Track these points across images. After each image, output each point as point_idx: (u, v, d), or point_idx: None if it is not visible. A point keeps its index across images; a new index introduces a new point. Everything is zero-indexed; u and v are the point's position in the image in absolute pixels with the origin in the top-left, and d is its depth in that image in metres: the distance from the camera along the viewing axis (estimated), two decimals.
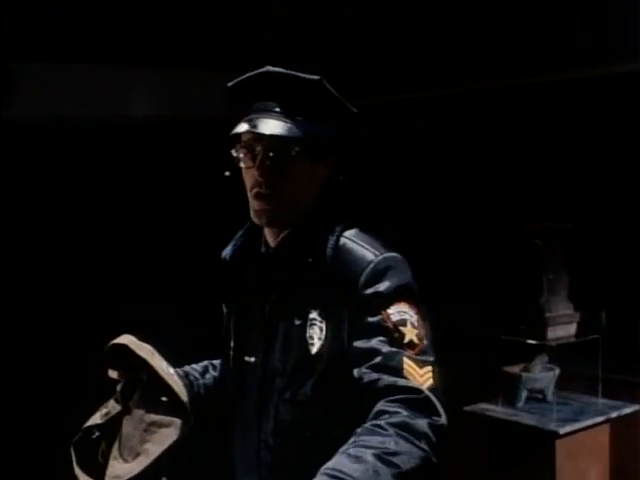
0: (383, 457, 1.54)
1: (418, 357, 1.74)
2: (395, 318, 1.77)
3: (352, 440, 1.59)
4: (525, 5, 4.73)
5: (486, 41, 4.89)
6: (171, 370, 1.98)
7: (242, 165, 1.94)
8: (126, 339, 1.98)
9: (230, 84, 1.97)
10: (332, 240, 1.87)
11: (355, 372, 1.75)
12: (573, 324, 4.53)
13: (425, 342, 1.78)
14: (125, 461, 1.93)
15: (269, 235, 2.00)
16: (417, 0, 4.98)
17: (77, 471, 1.97)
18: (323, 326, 1.84)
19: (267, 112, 1.89)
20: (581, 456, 4.29)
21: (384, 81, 5.56)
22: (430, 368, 1.74)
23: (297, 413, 1.88)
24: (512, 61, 4.89)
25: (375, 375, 1.71)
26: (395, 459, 1.55)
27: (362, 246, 1.86)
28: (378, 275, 1.80)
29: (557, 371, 4.50)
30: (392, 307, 1.78)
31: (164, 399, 1.94)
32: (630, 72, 4.46)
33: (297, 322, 1.87)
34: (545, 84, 4.84)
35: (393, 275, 1.81)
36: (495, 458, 4.37)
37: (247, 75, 1.94)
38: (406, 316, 1.78)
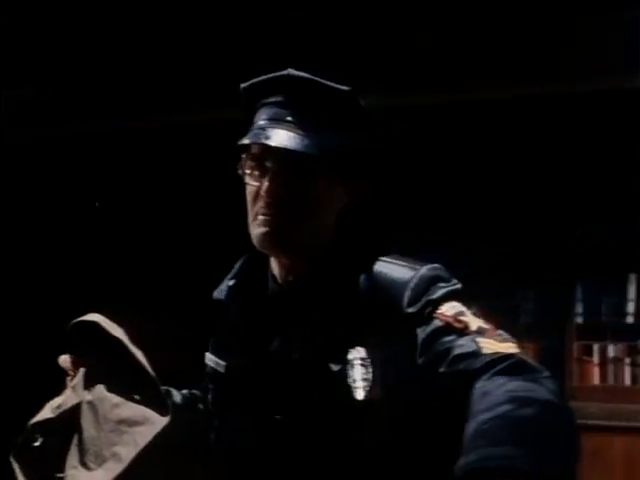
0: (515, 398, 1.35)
1: (494, 337, 1.51)
2: (451, 312, 1.54)
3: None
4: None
5: (477, 53, 4.84)
6: (145, 359, 1.63)
7: (247, 181, 1.66)
8: (96, 317, 1.65)
9: (244, 85, 1.70)
10: (364, 268, 1.62)
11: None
12: None
13: (497, 329, 1.54)
14: (88, 469, 1.59)
15: (278, 268, 1.70)
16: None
17: None
18: (368, 365, 1.57)
19: (282, 122, 1.62)
20: None
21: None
22: (513, 344, 1.50)
23: (355, 470, 1.58)
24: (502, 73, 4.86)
25: (458, 366, 1.47)
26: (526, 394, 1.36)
27: (398, 265, 1.62)
28: (424, 288, 1.57)
29: None
30: (442, 307, 1.55)
31: (136, 396, 1.61)
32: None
33: (335, 366, 1.58)
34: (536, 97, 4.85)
35: (441, 283, 1.58)
36: None
37: (264, 77, 1.67)
38: (462, 309, 1.55)
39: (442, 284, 1.58)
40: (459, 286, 1.61)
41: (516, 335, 4.74)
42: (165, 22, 4.80)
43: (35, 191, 5.67)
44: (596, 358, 4.86)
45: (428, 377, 1.51)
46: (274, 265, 1.71)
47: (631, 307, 4.86)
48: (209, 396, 1.81)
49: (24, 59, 5.04)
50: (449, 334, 1.52)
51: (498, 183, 4.97)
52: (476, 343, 1.48)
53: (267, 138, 1.61)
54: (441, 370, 1.50)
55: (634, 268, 4.84)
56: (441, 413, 1.52)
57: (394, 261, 1.63)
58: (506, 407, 1.33)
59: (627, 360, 4.81)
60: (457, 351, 1.49)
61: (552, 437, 1.32)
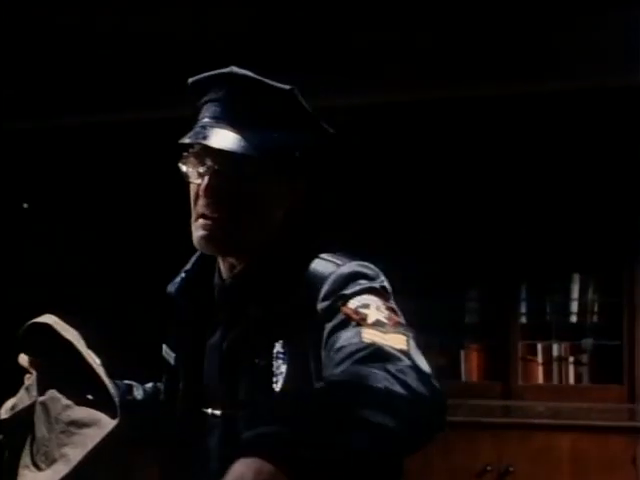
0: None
1: (385, 329, 1.43)
2: (354, 305, 1.49)
3: None
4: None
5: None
6: (98, 360, 1.68)
7: (189, 180, 1.66)
8: (49, 319, 1.69)
9: (190, 81, 1.68)
10: (298, 264, 1.61)
11: None
12: None
13: (400, 325, 1.47)
14: (39, 469, 1.65)
15: (222, 265, 1.71)
16: None
17: None
18: (286, 359, 1.58)
19: (223, 120, 1.61)
20: None
21: None
22: (403, 337, 1.42)
23: None
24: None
25: (337, 357, 1.42)
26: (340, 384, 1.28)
27: (326, 260, 1.60)
28: (340, 284, 1.54)
29: None
30: (352, 300, 1.51)
31: (89, 397, 1.66)
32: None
33: (260, 361, 1.60)
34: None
35: (362, 280, 1.54)
36: None
37: (207, 74, 1.66)
38: (370, 302, 1.50)
39: (363, 281, 1.54)
40: (380, 285, 1.56)
41: (460, 335, 4.78)
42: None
43: None
44: (540, 357, 4.88)
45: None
46: (220, 262, 1.72)
47: (575, 306, 4.90)
48: (163, 388, 1.84)
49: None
50: (345, 327, 1.47)
51: (445, 183, 4.98)
52: (360, 334, 1.42)
53: (206, 138, 1.60)
54: (325, 360, 1.47)
55: (578, 268, 4.88)
56: None
57: (326, 257, 1.61)
58: (319, 391, 1.29)
59: (571, 359, 4.84)
60: (341, 342, 1.44)
61: (344, 422, 1.19)
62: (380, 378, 1.26)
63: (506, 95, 4.79)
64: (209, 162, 1.62)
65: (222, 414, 1.66)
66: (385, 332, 1.42)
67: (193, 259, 1.80)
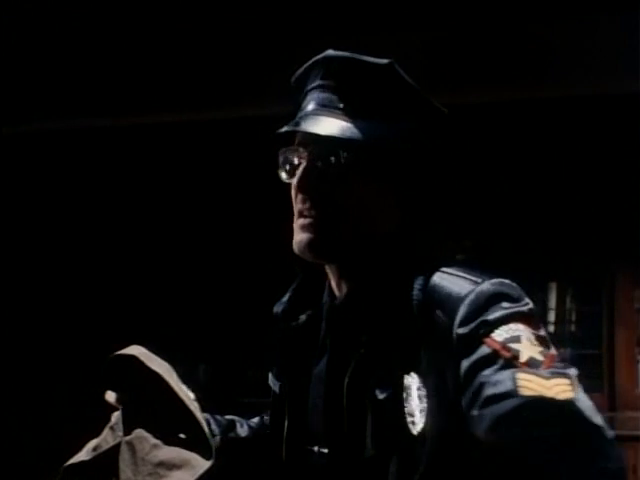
0: None
1: (545, 371, 1.23)
2: (501, 338, 1.26)
3: None
4: None
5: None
6: (191, 395, 1.51)
7: (282, 177, 1.47)
8: (136, 350, 1.52)
9: (294, 78, 1.52)
10: (420, 279, 1.37)
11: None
12: None
13: (558, 360, 1.27)
14: None
15: (334, 281, 1.50)
16: None
17: None
18: (423, 394, 1.33)
19: (323, 107, 1.43)
20: None
21: None
22: (567, 381, 1.23)
23: None
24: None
25: (488, 410, 1.23)
26: None
27: (458, 276, 1.35)
28: (482, 306, 1.30)
29: None
30: (498, 330, 1.28)
31: (181, 436, 1.47)
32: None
33: (386, 394, 1.36)
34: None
35: (505, 302, 1.31)
36: None
37: (306, 65, 1.50)
38: (519, 333, 1.27)
39: (506, 304, 1.30)
40: (528, 308, 1.32)
41: None
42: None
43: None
44: None
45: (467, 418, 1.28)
46: (331, 277, 1.51)
47: (552, 316, 4.87)
48: (269, 421, 1.65)
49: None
50: (491, 365, 1.25)
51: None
52: (514, 380, 1.22)
53: (300, 125, 1.42)
54: (474, 413, 1.25)
55: (555, 277, 4.85)
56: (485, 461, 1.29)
57: (456, 272, 1.36)
58: None
59: None
60: (490, 390, 1.23)
61: None
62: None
63: (490, 102, 4.74)
64: (303, 152, 1.43)
65: (331, 453, 1.46)
66: (546, 378, 1.22)
67: (299, 277, 1.60)
